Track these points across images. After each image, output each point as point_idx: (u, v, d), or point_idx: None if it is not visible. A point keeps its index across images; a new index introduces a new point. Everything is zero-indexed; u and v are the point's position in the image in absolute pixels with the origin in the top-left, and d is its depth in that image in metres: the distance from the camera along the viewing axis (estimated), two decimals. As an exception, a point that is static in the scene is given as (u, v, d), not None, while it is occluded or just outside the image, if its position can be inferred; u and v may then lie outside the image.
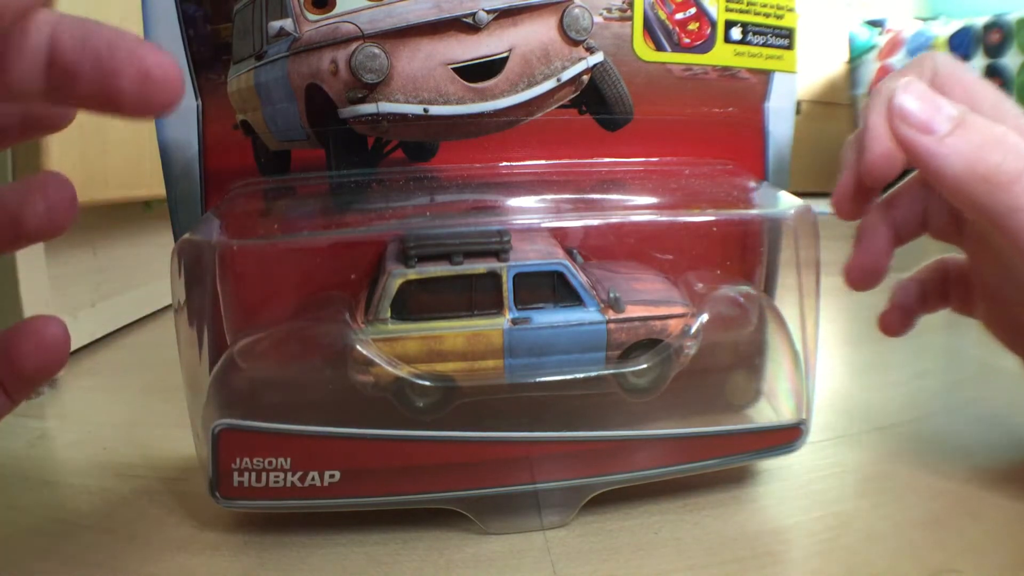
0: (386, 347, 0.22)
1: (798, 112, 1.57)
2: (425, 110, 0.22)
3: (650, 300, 0.23)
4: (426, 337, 0.22)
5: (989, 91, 0.27)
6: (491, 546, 0.23)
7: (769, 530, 0.23)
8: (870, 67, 1.80)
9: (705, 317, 0.23)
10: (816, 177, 0.76)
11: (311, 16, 0.22)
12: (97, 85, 0.17)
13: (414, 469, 0.22)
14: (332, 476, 0.22)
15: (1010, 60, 1.59)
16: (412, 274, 0.22)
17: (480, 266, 0.22)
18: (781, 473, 0.27)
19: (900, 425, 0.31)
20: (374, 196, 0.22)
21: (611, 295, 0.22)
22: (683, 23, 0.24)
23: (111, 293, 0.52)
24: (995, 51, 1.62)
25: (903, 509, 0.24)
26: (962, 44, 1.68)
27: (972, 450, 0.28)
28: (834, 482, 0.26)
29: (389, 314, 0.22)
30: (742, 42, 0.25)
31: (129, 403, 0.25)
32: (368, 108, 0.22)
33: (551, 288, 0.22)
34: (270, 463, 0.22)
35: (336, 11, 0.22)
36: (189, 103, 0.22)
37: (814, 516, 0.24)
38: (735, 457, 0.24)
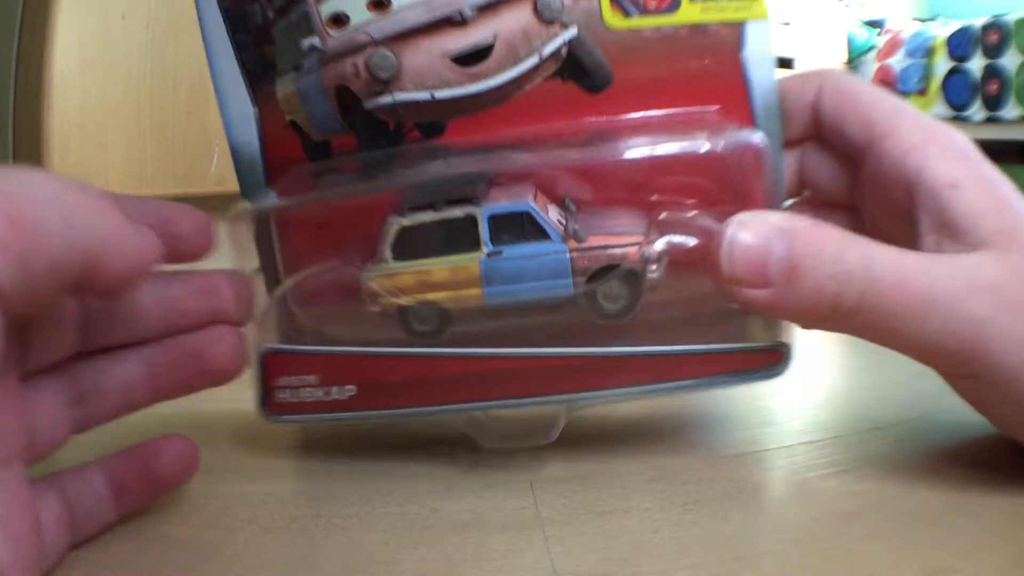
0: (386, 281, 0.26)
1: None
2: (432, 95, 0.26)
3: (611, 231, 0.26)
4: (417, 271, 0.26)
5: (882, 100, 0.27)
6: (491, 545, 0.23)
7: (769, 530, 0.24)
8: (869, 67, 1.80)
9: (664, 241, 0.26)
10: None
11: (332, 32, 0.27)
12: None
13: (417, 383, 0.27)
14: (349, 390, 0.26)
15: (1008, 60, 1.60)
16: (405, 221, 0.26)
17: (459, 211, 0.26)
18: (781, 472, 0.27)
19: (899, 425, 0.31)
20: (396, 167, 0.28)
21: (572, 228, 0.26)
22: None
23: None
24: (994, 51, 1.62)
25: (903, 509, 0.24)
26: (960, 44, 1.68)
27: (972, 450, 0.28)
28: (834, 482, 0.26)
29: (390, 255, 0.26)
30: None
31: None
32: (386, 99, 0.27)
33: (521, 227, 0.26)
34: (302, 380, 0.27)
35: (351, 26, 0.26)
36: (248, 111, 0.28)
37: (814, 516, 0.24)
38: (711, 379, 0.26)
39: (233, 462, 0.26)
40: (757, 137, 0.26)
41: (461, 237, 0.26)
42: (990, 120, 1.63)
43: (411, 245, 0.26)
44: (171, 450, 0.24)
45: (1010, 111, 1.60)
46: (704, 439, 0.31)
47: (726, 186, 0.27)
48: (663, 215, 0.27)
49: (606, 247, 0.26)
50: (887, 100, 0.27)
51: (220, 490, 0.27)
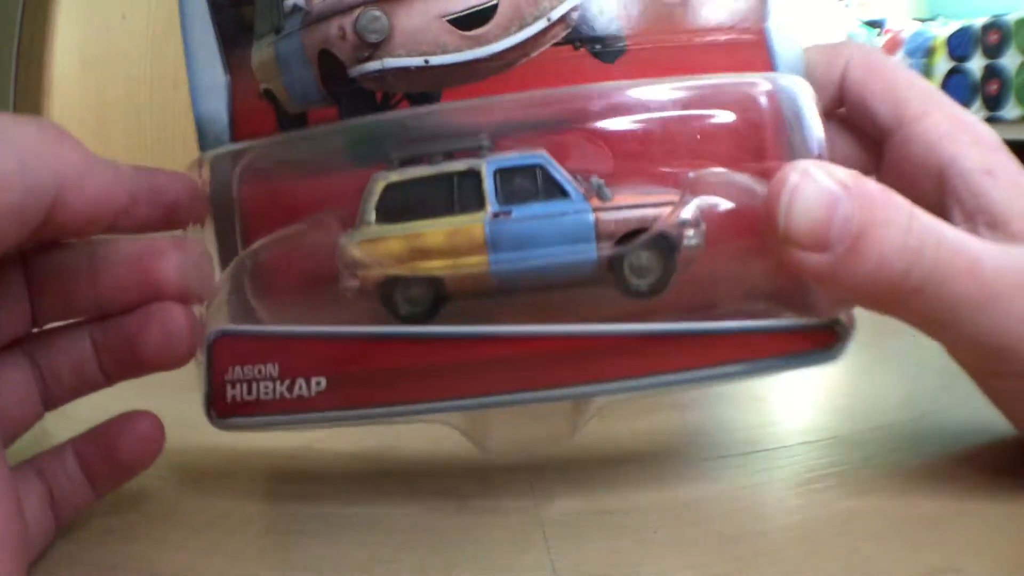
0: (370, 247, 0.22)
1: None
2: (426, 61, 0.23)
3: (640, 189, 0.23)
4: (408, 235, 0.22)
5: (915, 82, 0.26)
6: (490, 545, 0.23)
7: (769, 530, 0.24)
8: (869, 68, 1.80)
9: (700, 201, 0.22)
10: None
11: None
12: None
13: (403, 374, 0.22)
14: (319, 384, 0.22)
15: (1008, 60, 1.60)
16: (394, 176, 0.22)
17: (459, 164, 0.22)
18: (780, 473, 0.27)
19: (899, 424, 0.31)
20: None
21: (594, 183, 0.22)
22: None
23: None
24: (994, 51, 1.62)
25: (903, 508, 0.24)
26: (960, 45, 1.68)
27: (971, 448, 0.28)
28: (834, 482, 0.26)
29: (374, 217, 0.22)
30: None
31: (129, 400, 0.26)
32: (374, 65, 0.23)
33: (534, 183, 0.22)
34: (259, 371, 0.22)
35: None
36: (220, 79, 0.25)
37: (814, 516, 0.24)
38: (758, 363, 0.22)
39: (234, 460, 0.26)
40: (799, 83, 0.23)
41: (461, 195, 0.22)
42: (990, 120, 1.63)
43: (400, 205, 0.22)
44: (130, 432, 0.23)
45: (1010, 111, 1.60)
46: (704, 439, 0.31)
47: (758, 141, 0.24)
48: (692, 174, 0.23)
49: (636, 206, 0.22)
50: (921, 82, 0.26)
51: (220, 490, 0.27)
